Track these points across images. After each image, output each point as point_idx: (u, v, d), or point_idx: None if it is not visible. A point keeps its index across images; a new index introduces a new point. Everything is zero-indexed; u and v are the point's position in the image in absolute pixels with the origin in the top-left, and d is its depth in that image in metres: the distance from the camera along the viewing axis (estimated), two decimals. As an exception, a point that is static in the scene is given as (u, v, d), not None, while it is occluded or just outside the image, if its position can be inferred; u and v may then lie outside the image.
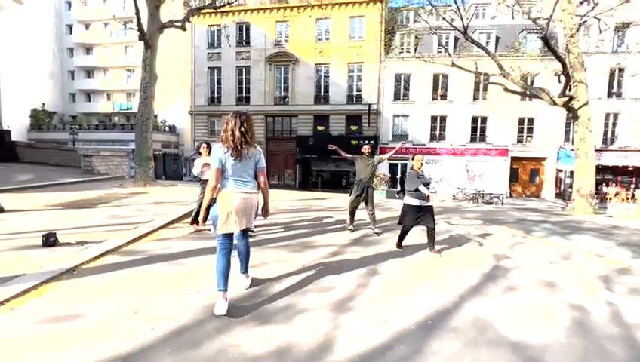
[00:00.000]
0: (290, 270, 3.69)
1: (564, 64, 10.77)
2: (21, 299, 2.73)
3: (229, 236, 2.70)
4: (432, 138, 22.59)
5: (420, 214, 4.57)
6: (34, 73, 31.60)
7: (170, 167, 27.94)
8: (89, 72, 35.71)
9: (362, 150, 5.79)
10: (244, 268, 3.15)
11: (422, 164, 4.70)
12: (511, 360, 2.24)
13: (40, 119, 31.58)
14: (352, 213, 5.80)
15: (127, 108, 34.27)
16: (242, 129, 2.61)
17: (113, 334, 2.31)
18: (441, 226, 6.68)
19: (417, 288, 3.38)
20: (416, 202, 4.57)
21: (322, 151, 22.04)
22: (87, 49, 35.43)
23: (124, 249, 4.22)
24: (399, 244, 4.79)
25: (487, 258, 4.58)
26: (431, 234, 4.66)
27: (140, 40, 11.29)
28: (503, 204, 15.09)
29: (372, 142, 22.05)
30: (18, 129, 29.98)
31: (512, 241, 5.93)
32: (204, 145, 5.32)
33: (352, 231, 5.69)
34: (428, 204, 4.60)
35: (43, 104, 32.34)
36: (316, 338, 2.37)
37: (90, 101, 35.82)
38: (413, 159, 4.70)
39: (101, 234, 4.72)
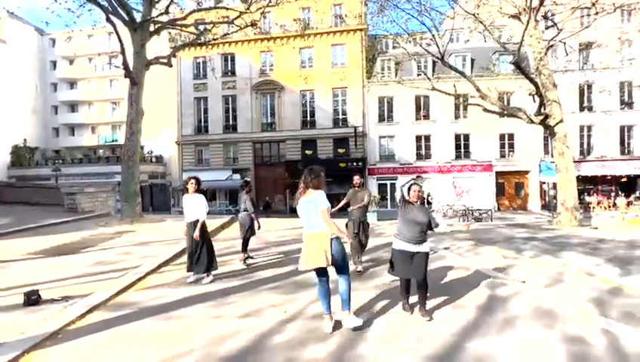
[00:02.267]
0: (287, 316, 3.59)
1: (536, 85, 11.36)
2: (0, 375, 2.55)
3: (316, 271, 3.24)
4: (419, 157, 23.07)
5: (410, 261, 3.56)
6: (16, 109, 31.20)
7: (158, 198, 27.43)
8: (73, 106, 35.49)
9: (353, 181, 5.43)
10: (346, 306, 3.24)
11: (418, 193, 3.63)
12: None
13: (21, 156, 30.86)
14: (357, 252, 5.31)
15: (113, 141, 33.90)
16: (301, 184, 3.26)
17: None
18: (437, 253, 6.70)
19: (416, 327, 3.32)
20: (401, 246, 3.58)
21: (311, 175, 22.16)
22: (72, 84, 35.38)
23: (111, 302, 4.04)
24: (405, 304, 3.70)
25: (483, 287, 4.57)
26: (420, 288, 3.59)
27: (125, 77, 11.37)
28: (492, 221, 15.30)
29: (360, 164, 22.38)
30: (-2, 166, 29.22)
31: (505, 264, 5.97)
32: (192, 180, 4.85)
33: (360, 272, 5.16)
34: (417, 249, 3.54)
35: (25, 140, 31.72)
36: (318, 398, 2.27)
37: (74, 135, 35.37)
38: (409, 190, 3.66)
39: (86, 285, 4.53)
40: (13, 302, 3.91)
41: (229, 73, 24.70)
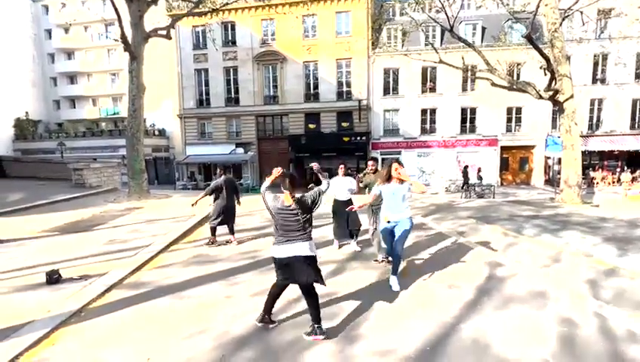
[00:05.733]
0: (294, 296, 3.78)
1: (548, 60, 10.95)
2: (35, 351, 2.79)
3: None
4: (423, 131, 22.76)
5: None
6: (15, 81, 30.74)
7: (162, 171, 27.73)
8: (72, 78, 34.83)
9: (368, 168, 5.23)
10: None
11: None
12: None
13: (25, 128, 30.86)
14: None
15: (115, 113, 33.64)
16: (386, 171, 4.07)
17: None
18: (438, 231, 6.86)
19: (415, 309, 3.51)
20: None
21: (315, 149, 22.13)
22: (69, 54, 34.47)
23: (127, 281, 4.28)
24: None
25: (481, 267, 4.74)
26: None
27: (125, 51, 11.09)
28: (494, 197, 15.39)
29: (364, 138, 22.19)
30: (2, 140, 29.33)
31: (505, 243, 6.13)
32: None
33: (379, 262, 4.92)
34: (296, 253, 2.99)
35: (27, 113, 31.56)
36: (324, 375, 2.49)
37: (75, 107, 35.04)
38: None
39: (102, 264, 4.77)
40: (36, 280, 4.16)
41: (230, 43, 23.87)
